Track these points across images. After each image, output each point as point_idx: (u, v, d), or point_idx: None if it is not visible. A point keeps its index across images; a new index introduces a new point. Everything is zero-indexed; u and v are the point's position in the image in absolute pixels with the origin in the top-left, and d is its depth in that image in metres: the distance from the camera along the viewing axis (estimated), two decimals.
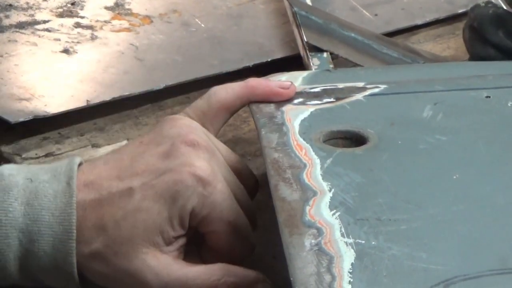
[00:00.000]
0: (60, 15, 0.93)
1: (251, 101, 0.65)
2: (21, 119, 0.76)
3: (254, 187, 0.62)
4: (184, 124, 0.59)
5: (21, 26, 0.91)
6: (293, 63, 0.86)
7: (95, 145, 0.77)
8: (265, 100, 0.65)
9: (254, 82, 0.65)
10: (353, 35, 0.88)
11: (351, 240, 0.50)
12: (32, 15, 0.92)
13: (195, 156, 0.56)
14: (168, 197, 0.54)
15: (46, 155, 0.75)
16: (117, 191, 0.55)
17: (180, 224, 0.55)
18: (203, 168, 0.55)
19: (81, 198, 0.54)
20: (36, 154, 0.75)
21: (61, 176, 0.55)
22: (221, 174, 0.57)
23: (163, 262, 0.55)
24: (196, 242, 0.58)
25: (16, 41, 0.88)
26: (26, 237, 0.54)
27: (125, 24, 0.93)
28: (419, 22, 0.99)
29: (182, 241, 0.56)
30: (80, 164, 0.57)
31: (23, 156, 0.75)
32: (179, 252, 0.56)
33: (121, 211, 0.54)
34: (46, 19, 0.92)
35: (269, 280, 0.57)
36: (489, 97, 0.68)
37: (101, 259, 0.54)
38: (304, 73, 0.73)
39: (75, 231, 0.53)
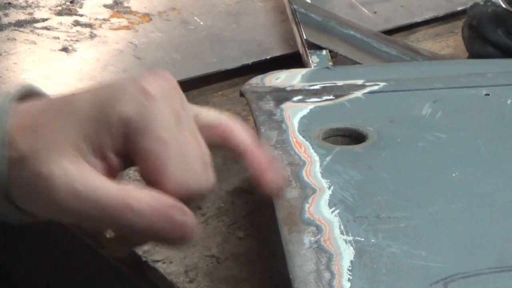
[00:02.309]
0: (59, 13, 0.93)
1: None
2: None
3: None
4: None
5: (20, 24, 0.90)
6: (292, 60, 0.86)
7: None
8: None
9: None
10: (352, 33, 0.88)
11: (350, 238, 0.50)
12: (31, 14, 0.92)
13: (151, 78, 0.51)
14: (105, 100, 0.50)
15: None
16: (58, 100, 0.51)
17: (113, 132, 0.50)
18: (151, 83, 0.50)
19: (18, 108, 0.50)
20: None
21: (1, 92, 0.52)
22: (177, 108, 0.51)
23: (83, 170, 0.49)
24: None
25: (15, 39, 0.88)
26: None
27: (124, 22, 0.93)
28: (418, 20, 0.99)
29: (114, 161, 0.50)
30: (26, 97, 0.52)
31: None
32: (109, 175, 0.50)
33: (55, 113, 0.50)
34: (45, 17, 0.92)
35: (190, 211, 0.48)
36: (488, 95, 0.68)
37: (23, 164, 0.49)
38: (303, 71, 0.73)
39: (7, 138, 0.49)
